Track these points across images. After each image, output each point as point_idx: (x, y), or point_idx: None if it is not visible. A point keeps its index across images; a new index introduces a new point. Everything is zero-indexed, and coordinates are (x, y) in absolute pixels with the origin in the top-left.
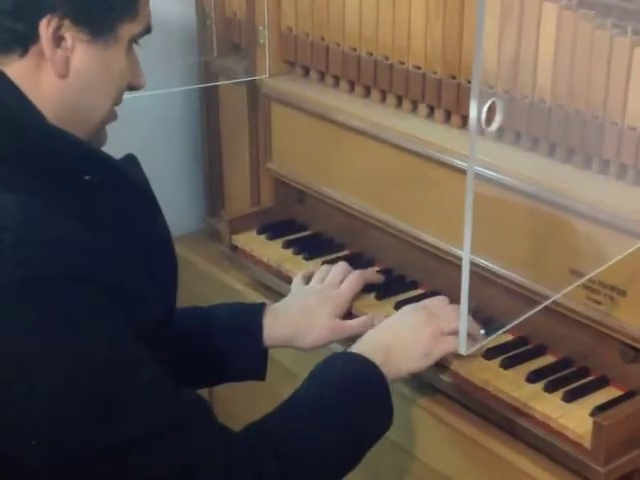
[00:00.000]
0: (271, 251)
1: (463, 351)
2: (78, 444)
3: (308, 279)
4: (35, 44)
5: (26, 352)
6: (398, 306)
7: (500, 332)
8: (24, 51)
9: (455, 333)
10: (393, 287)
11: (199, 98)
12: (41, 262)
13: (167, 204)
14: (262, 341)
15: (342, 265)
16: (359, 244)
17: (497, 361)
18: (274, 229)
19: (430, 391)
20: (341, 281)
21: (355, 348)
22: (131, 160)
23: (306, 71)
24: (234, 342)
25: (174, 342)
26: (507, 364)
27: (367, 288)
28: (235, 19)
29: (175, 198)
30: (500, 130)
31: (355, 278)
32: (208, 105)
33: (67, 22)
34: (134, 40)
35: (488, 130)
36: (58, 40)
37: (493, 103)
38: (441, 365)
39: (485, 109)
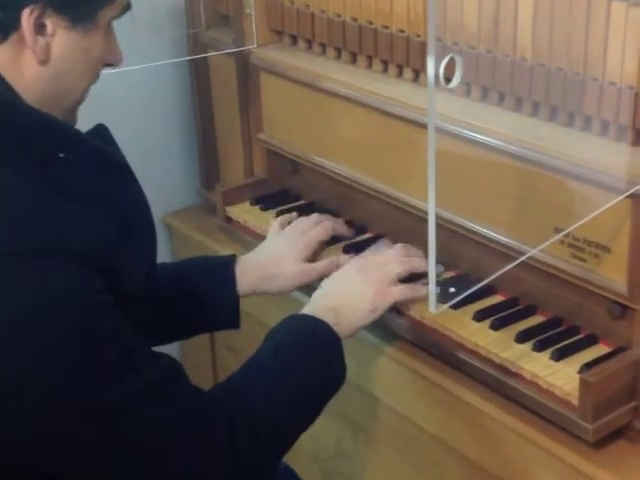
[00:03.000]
0: (265, 222)
1: (433, 309)
2: (58, 413)
3: (284, 227)
4: (16, 31)
5: (1, 326)
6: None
7: (472, 289)
8: (4, 38)
9: (397, 279)
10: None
11: (189, 70)
12: (14, 237)
13: (162, 179)
14: (235, 290)
15: (314, 216)
16: (352, 212)
17: (487, 322)
18: (268, 200)
19: (419, 353)
20: (311, 228)
21: (308, 310)
22: (102, 131)
23: (294, 40)
24: (209, 294)
25: (150, 298)
26: (497, 325)
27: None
28: None
29: (170, 173)
30: (484, 90)
31: (324, 225)
32: (198, 77)
33: (49, 10)
34: (113, 20)
35: (448, 87)
36: (39, 28)
37: (452, 59)
38: (431, 327)
39: (443, 65)
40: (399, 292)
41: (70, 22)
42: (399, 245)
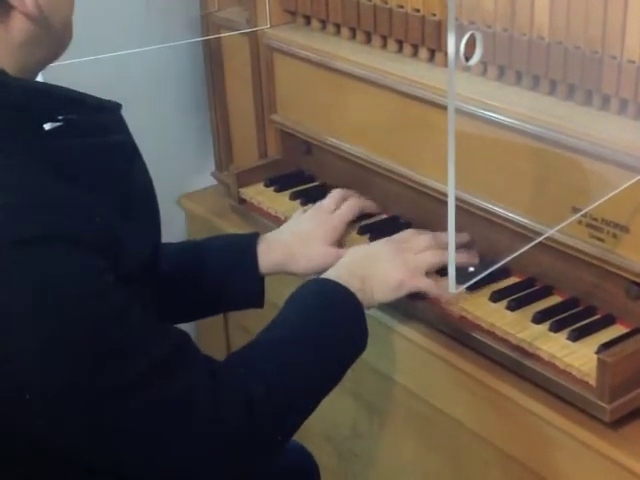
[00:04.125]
0: (279, 203)
1: (452, 289)
2: (72, 394)
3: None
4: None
5: (6, 317)
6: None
7: (491, 269)
8: None
9: (430, 269)
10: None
11: (203, 51)
12: (11, 226)
13: (176, 161)
14: (258, 268)
15: (339, 192)
16: (366, 193)
17: (504, 303)
18: (282, 181)
19: (436, 334)
20: (337, 207)
21: (332, 274)
22: (112, 107)
23: (307, 20)
24: (231, 271)
25: (171, 275)
26: (513, 306)
27: (374, 237)
28: None
29: (184, 154)
30: (501, 69)
31: (349, 205)
32: (212, 58)
33: None
34: None
35: (468, 64)
36: None
37: (472, 36)
38: (448, 310)
39: (464, 42)
40: (426, 284)
41: None
42: (430, 234)
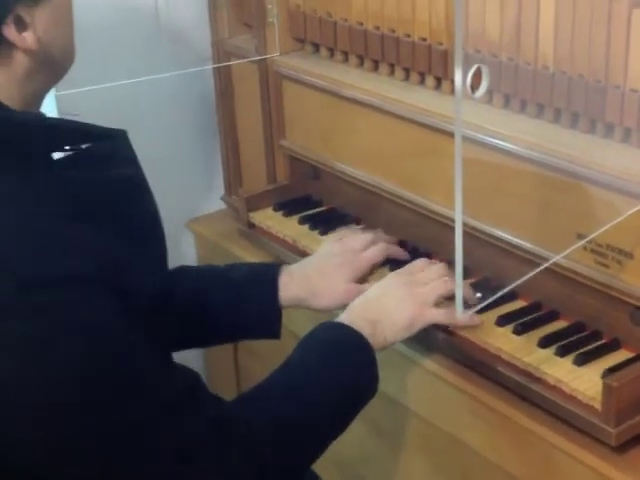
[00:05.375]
0: (287, 227)
1: (459, 315)
2: (75, 433)
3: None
4: (1, 46)
5: (19, 363)
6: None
7: (499, 294)
8: None
9: (439, 300)
10: (408, 259)
11: (213, 78)
12: (25, 268)
13: (186, 185)
14: (277, 300)
15: (368, 235)
16: (374, 218)
17: (510, 327)
18: (290, 206)
19: (442, 358)
20: (365, 248)
21: (343, 318)
22: (120, 134)
23: (316, 47)
24: (250, 300)
25: (186, 300)
26: (520, 330)
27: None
28: None
29: (194, 179)
30: (506, 98)
31: (379, 249)
32: (222, 85)
33: (19, 7)
34: None
35: (474, 96)
36: (20, 27)
37: (478, 69)
38: (454, 332)
39: (470, 75)
40: (437, 315)
41: None
42: (442, 264)
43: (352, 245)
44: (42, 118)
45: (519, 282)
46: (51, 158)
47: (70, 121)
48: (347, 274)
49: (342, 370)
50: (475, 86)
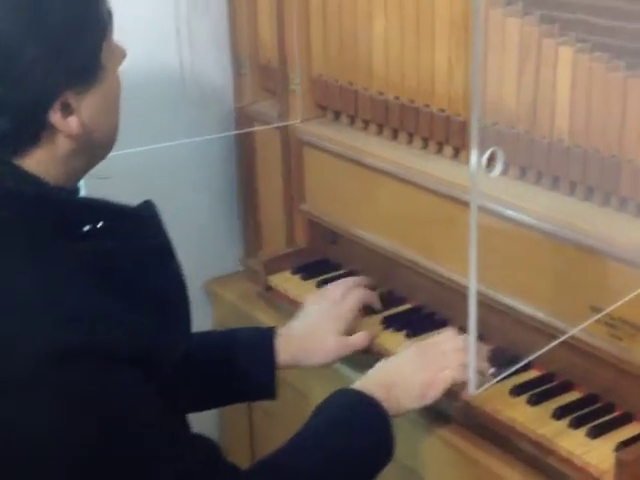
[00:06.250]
0: (305, 291)
1: (472, 391)
2: None
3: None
4: (45, 130)
5: (40, 433)
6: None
7: (513, 369)
8: (37, 140)
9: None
10: (423, 325)
11: (235, 142)
12: (52, 339)
13: (205, 246)
14: (273, 364)
15: (344, 281)
16: (391, 283)
17: (524, 397)
18: (308, 269)
19: (455, 427)
20: (345, 296)
21: (359, 385)
22: (147, 208)
23: (337, 115)
24: (251, 364)
25: (191, 366)
26: (534, 400)
27: (397, 327)
28: (269, 66)
29: (213, 241)
30: (522, 169)
31: (355, 297)
32: (244, 149)
33: (69, 94)
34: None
35: (489, 176)
36: (66, 112)
37: (493, 152)
38: (467, 402)
39: (486, 157)
40: (449, 381)
41: (87, 85)
42: (464, 336)
43: (333, 296)
44: (76, 198)
45: (534, 356)
46: (82, 231)
47: (103, 200)
48: (335, 328)
49: (357, 438)
50: (491, 162)
